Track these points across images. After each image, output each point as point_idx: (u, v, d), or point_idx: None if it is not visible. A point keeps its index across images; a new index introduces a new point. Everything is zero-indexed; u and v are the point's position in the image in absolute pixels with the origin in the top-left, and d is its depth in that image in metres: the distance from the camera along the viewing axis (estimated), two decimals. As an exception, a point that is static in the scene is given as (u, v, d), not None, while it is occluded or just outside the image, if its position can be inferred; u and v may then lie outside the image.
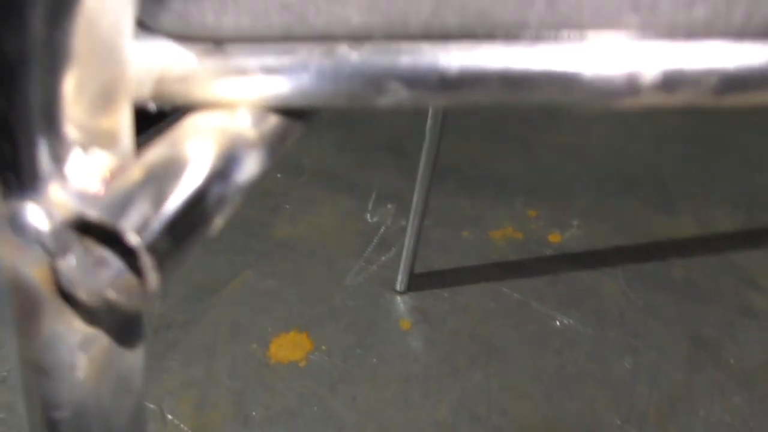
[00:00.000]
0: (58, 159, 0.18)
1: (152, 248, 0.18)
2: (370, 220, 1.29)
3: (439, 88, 0.20)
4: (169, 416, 0.89)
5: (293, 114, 0.23)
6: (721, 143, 1.56)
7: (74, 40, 0.17)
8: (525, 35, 0.19)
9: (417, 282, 1.12)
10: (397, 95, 0.20)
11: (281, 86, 0.21)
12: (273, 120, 0.22)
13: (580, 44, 0.19)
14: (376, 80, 0.20)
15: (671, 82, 0.19)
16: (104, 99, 0.19)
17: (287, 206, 1.33)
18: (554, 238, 1.24)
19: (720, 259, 1.19)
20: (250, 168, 0.21)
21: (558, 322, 1.04)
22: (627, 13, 0.18)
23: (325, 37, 0.20)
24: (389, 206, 1.33)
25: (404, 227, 1.10)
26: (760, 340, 1.02)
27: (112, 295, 0.18)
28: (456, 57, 0.19)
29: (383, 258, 1.19)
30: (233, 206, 0.21)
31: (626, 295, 1.10)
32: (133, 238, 0.17)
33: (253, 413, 0.90)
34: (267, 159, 0.22)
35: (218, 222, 0.20)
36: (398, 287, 1.11)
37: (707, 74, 0.19)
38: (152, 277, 0.18)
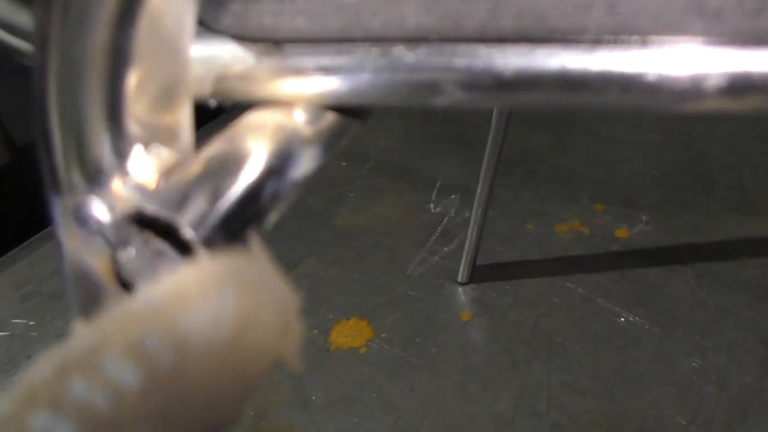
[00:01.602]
0: (121, 155, 0.18)
1: (207, 242, 0.18)
2: (433, 211, 1.29)
3: (495, 89, 0.20)
4: (232, 397, 0.91)
5: (349, 112, 0.23)
6: (803, 139, 1.49)
7: (137, 41, 0.17)
8: (584, 39, 0.18)
9: (479, 274, 1.11)
10: (452, 96, 0.20)
11: (338, 86, 0.21)
12: (329, 118, 0.23)
13: (642, 48, 0.19)
14: (432, 81, 0.20)
15: (737, 87, 0.18)
16: (166, 97, 0.19)
17: (351, 195, 1.34)
18: (621, 233, 1.21)
19: (797, 261, 1.14)
20: (305, 165, 0.22)
21: (623, 319, 1.02)
22: (690, 19, 0.17)
23: (381, 39, 0.20)
24: (453, 197, 1.32)
25: (468, 218, 1.10)
26: (838, 346, 0.97)
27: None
28: (512, 59, 0.19)
29: (446, 249, 1.18)
30: (287, 202, 0.21)
31: (695, 294, 1.06)
32: (188, 233, 0.18)
33: (313, 398, 0.92)
34: (322, 156, 0.22)
35: (272, 217, 0.21)
36: (460, 278, 1.11)
37: (776, 80, 0.18)
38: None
